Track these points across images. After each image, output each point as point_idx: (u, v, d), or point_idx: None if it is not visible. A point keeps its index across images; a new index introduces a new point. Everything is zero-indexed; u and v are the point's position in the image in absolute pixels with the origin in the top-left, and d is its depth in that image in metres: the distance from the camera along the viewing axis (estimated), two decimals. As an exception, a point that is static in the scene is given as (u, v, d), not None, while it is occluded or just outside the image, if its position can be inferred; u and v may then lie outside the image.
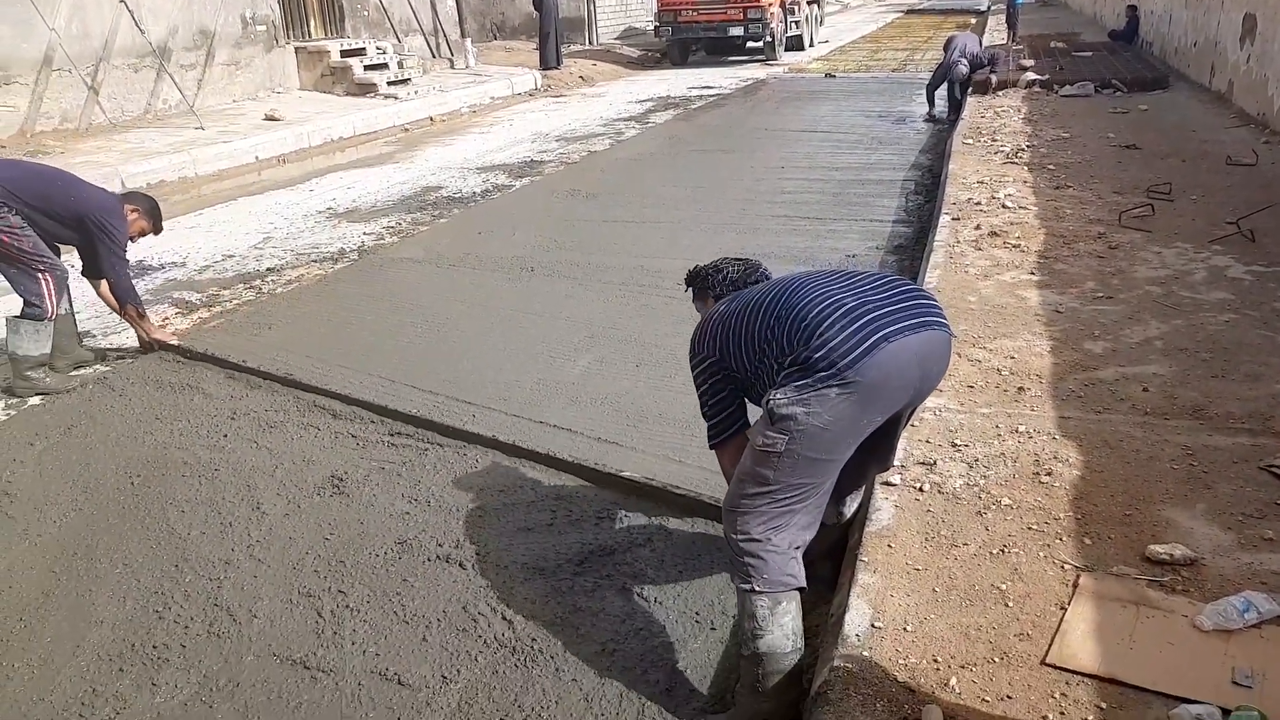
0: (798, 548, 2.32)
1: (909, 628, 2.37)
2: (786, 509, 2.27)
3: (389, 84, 14.63)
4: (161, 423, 4.30)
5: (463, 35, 18.67)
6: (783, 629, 2.28)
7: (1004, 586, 2.50)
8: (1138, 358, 3.99)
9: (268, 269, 6.65)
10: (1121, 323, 4.38)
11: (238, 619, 2.96)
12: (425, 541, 3.29)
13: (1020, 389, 3.70)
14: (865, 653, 2.28)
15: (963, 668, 2.21)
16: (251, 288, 6.25)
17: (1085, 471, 3.06)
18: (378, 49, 15.26)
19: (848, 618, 2.40)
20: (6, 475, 3.89)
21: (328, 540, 3.34)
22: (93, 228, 4.62)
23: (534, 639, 2.78)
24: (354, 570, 3.17)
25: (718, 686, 2.55)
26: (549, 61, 18.42)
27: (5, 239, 4.44)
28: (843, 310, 2.20)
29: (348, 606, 2.99)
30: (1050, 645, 2.25)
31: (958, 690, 2.15)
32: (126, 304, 4.93)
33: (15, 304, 4.73)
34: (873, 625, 2.38)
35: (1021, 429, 3.36)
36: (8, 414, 4.54)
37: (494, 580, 3.06)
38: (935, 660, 2.25)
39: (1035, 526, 2.77)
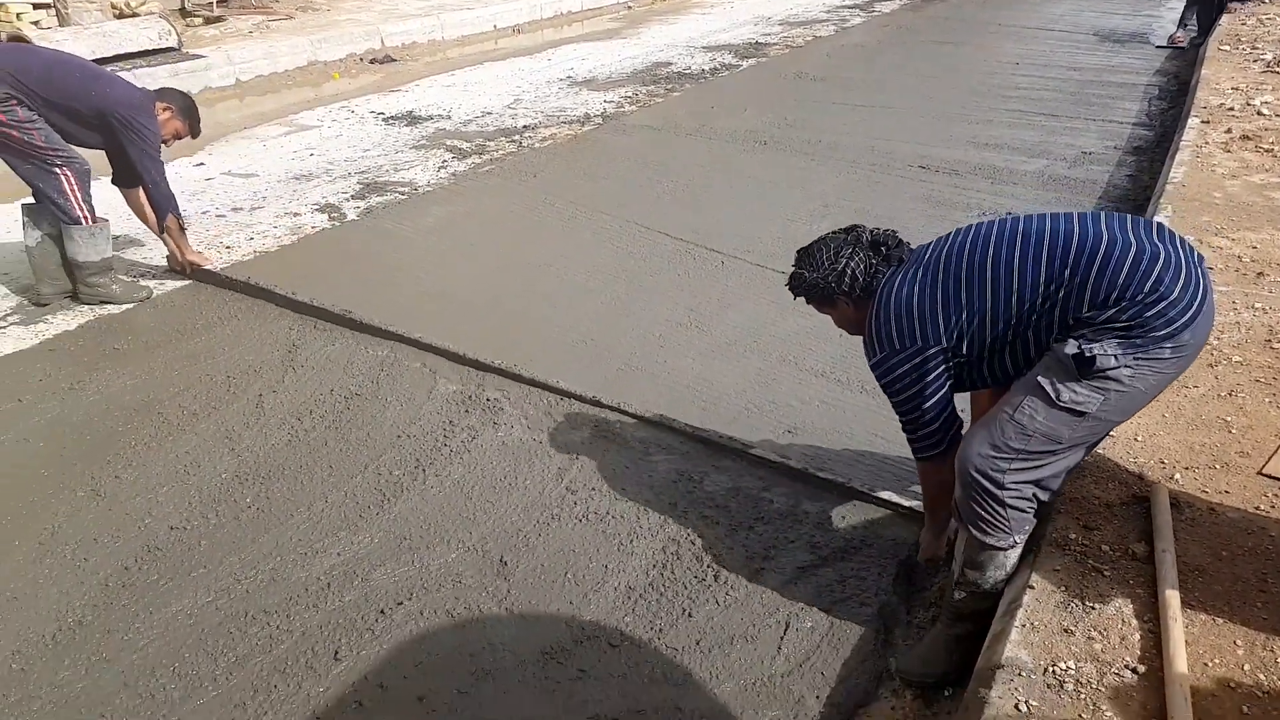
0: None
1: (1139, 439, 2.74)
2: (1065, 462, 2.11)
3: (617, -39, 14.96)
4: (455, 243, 5.05)
5: (687, -84, 18.67)
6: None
7: (1228, 419, 2.82)
8: (1386, 258, 4.06)
9: (523, 126, 7.32)
10: (1373, 227, 4.41)
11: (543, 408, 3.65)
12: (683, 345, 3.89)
13: (1260, 274, 3.88)
14: (1099, 452, 2.67)
15: (1186, 469, 2.59)
16: (513, 141, 6.93)
17: (1318, 343, 3.28)
18: (607, -76, 15.56)
19: (1082, 428, 2.79)
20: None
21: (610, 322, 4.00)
22: (118, 126, 4.14)
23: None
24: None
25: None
26: (771, -54, 18.24)
27: (14, 134, 4.02)
28: (1162, 261, 1.93)
29: (636, 368, 3.65)
30: (1268, 461, 2.58)
31: (1181, 483, 2.53)
32: (166, 213, 4.43)
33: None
34: (1108, 435, 2.76)
35: (1257, 305, 3.57)
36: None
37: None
38: (1162, 462, 2.62)
39: (1263, 380, 3.04)
